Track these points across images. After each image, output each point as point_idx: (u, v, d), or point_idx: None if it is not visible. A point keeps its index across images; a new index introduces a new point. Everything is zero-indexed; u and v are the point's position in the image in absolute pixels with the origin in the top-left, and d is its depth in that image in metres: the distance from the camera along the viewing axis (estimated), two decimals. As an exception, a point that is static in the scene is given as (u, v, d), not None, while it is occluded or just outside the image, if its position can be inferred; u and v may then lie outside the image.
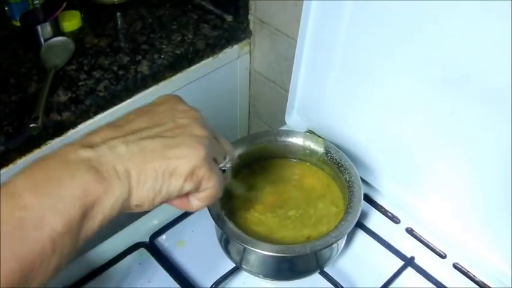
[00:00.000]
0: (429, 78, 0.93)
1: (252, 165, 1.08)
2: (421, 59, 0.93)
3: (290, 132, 1.08)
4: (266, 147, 1.07)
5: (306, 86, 1.17)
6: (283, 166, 1.09)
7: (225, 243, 0.98)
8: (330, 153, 1.04)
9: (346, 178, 1.00)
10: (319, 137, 1.11)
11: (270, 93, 1.58)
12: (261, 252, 0.88)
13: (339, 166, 1.02)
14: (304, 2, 1.06)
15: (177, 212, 1.06)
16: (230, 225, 0.92)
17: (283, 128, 1.22)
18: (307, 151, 1.07)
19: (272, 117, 1.63)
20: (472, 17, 0.83)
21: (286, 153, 1.09)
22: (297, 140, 1.07)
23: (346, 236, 0.97)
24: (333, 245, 0.92)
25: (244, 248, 0.91)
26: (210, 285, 0.96)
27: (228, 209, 0.99)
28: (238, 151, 1.03)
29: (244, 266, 0.97)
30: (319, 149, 1.05)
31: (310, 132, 1.17)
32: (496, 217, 0.96)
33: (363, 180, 1.09)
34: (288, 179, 1.07)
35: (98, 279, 0.99)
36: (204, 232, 1.03)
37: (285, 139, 1.07)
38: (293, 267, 0.98)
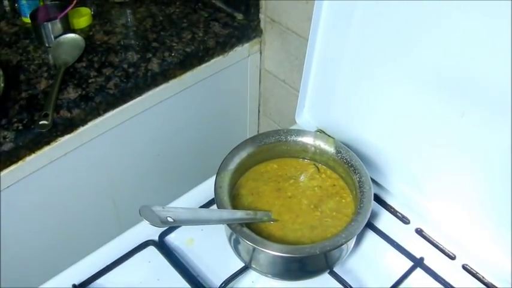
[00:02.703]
0: (440, 79, 0.93)
1: (262, 164, 1.08)
2: (432, 60, 0.93)
3: (300, 132, 1.07)
4: (276, 147, 1.07)
5: (316, 85, 1.17)
6: (293, 165, 1.09)
7: (235, 242, 0.98)
8: (341, 153, 1.04)
9: (356, 178, 1.00)
10: (330, 136, 1.10)
11: (280, 92, 1.58)
12: (270, 252, 0.88)
13: (350, 166, 1.02)
14: (316, 1, 1.05)
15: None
16: (239, 225, 0.91)
17: (294, 127, 1.22)
18: (318, 151, 1.06)
19: (282, 116, 1.63)
20: (480, 19, 0.83)
21: (296, 153, 1.09)
22: (308, 140, 1.07)
23: (356, 237, 0.96)
24: (343, 246, 0.92)
25: (254, 248, 0.90)
26: (219, 284, 0.96)
27: (238, 208, 0.99)
28: (248, 150, 1.03)
29: (253, 266, 0.97)
30: (330, 148, 1.05)
31: (321, 131, 1.17)
32: (505, 218, 0.95)
33: (373, 181, 1.08)
34: (298, 178, 1.07)
35: (107, 277, 1.00)
36: (213, 231, 1.03)
37: (295, 138, 1.07)
38: (302, 267, 0.98)
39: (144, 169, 1.52)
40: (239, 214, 0.94)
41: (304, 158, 1.09)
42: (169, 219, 0.81)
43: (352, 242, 0.99)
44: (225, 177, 0.98)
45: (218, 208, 0.94)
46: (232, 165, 1.01)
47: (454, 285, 1.00)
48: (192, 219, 0.88)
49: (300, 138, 1.07)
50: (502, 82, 0.85)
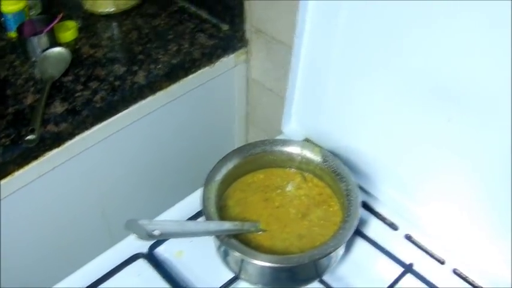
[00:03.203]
0: (426, 83, 0.94)
1: (249, 175, 1.08)
2: (418, 65, 0.94)
3: (286, 142, 1.08)
4: (262, 157, 1.07)
5: (302, 94, 1.17)
6: (280, 175, 1.09)
7: (223, 253, 0.98)
8: (327, 161, 1.04)
9: (343, 186, 1.00)
10: (316, 145, 1.11)
11: (268, 102, 1.58)
12: (259, 263, 0.88)
13: (336, 174, 1.02)
14: (300, 9, 1.06)
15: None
16: (227, 236, 0.91)
17: (281, 136, 1.22)
18: (304, 160, 1.07)
19: (270, 125, 1.62)
20: (468, 23, 0.84)
21: (283, 163, 1.09)
22: (294, 149, 1.07)
23: (345, 244, 0.96)
24: (332, 254, 0.92)
25: (242, 259, 0.91)
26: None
27: (225, 219, 0.99)
28: (234, 161, 1.03)
29: (243, 276, 0.97)
30: (316, 157, 1.05)
31: (308, 140, 1.17)
32: (494, 222, 0.96)
33: (362, 188, 1.10)
34: (285, 188, 1.07)
35: None
36: (203, 242, 1.02)
37: (281, 148, 1.07)
38: (292, 276, 0.98)
39: (133, 181, 1.52)
40: (226, 225, 0.94)
41: (290, 168, 1.09)
42: (156, 232, 0.81)
43: (341, 250, 0.99)
44: (212, 189, 0.98)
45: (206, 220, 0.94)
46: (219, 176, 1.01)
47: None
48: (179, 232, 0.88)
49: (285, 148, 1.07)
50: (487, 88, 0.86)
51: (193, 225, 0.92)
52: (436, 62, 0.91)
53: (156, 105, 1.41)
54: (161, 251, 1.05)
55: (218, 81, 1.53)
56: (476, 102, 0.88)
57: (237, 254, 0.89)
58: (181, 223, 0.91)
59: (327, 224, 1.00)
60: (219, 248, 0.98)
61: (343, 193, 0.99)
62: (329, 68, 1.09)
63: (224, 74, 1.54)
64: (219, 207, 1.00)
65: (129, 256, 1.03)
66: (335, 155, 1.06)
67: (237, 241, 0.91)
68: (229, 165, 1.03)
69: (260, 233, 0.98)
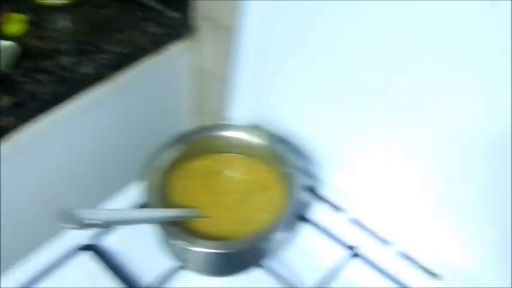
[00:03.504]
0: (367, 64, 0.94)
1: (191, 161, 1.07)
2: (358, 49, 0.94)
3: (228, 126, 1.07)
4: (205, 143, 1.06)
5: (247, 79, 1.17)
6: (223, 161, 1.08)
7: (166, 242, 0.97)
8: (270, 145, 1.03)
9: (286, 170, 0.99)
10: (259, 129, 1.10)
11: (217, 89, 1.56)
12: (200, 250, 0.87)
13: (279, 158, 1.01)
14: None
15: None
16: (168, 223, 0.91)
17: (228, 122, 1.21)
18: (247, 144, 1.06)
19: (219, 114, 1.60)
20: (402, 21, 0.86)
21: (225, 148, 1.08)
22: (236, 134, 1.06)
23: (287, 228, 0.96)
24: (274, 238, 0.91)
25: (184, 247, 0.90)
26: (154, 285, 0.96)
27: (167, 206, 0.98)
28: (176, 147, 1.02)
29: (186, 264, 0.96)
30: (259, 141, 1.04)
31: (254, 125, 1.16)
32: (442, 203, 0.96)
33: (306, 171, 1.10)
34: (227, 173, 1.06)
35: (39, 286, 0.97)
36: (147, 231, 1.01)
37: (223, 133, 1.06)
38: (234, 262, 0.97)
39: (81, 172, 1.50)
40: (167, 212, 0.93)
41: (233, 153, 1.08)
42: (91, 221, 0.80)
43: (283, 234, 0.99)
44: (153, 176, 0.97)
45: (146, 208, 0.92)
46: (160, 163, 1.00)
47: (392, 273, 1.00)
48: (116, 220, 0.86)
49: (228, 133, 1.06)
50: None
51: (132, 214, 0.91)
52: (377, 45, 0.92)
53: (105, 96, 1.39)
54: (106, 241, 1.04)
55: (167, 69, 1.52)
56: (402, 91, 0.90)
57: (177, 241, 0.88)
58: (120, 211, 0.90)
59: (269, 208, 0.99)
60: (161, 236, 0.97)
61: (286, 177, 0.98)
62: (273, 52, 1.09)
63: (173, 62, 1.53)
64: (160, 194, 0.99)
65: (72, 248, 1.02)
66: (279, 139, 1.05)
67: (178, 229, 0.90)
68: (170, 152, 1.02)
69: (202, 219, 0.97)
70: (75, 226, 0.77)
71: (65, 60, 1.36)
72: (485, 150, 0.86)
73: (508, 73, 0.79)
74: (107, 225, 0.94)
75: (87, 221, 0.79)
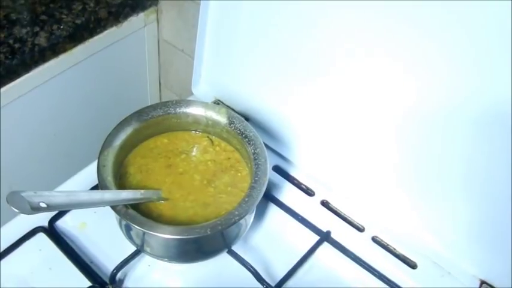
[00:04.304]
0: (337, 41, 0.91)
1: (151, 139, 1.02)
2: (325, 23, 0.91)
3: (190, 102, 1.00)
4: (165, 120, 1.00)
5: (211, 53, 1.13)
6: (185, 139, 1.03)
7: (124, 225, 0.92)
8: (234, 123, 0.98)
9: (251, 150, 0.94)
10: (222, 106, 1.06)
11: (180, 63, 1.53)
12: (158, 235, 0.82)
13: (244, 137, 0.96)
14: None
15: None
16: (125, 206, 0.85)
17: (191, 98, 1.17)
18: (210, 122, 1.00)
19: (183, 88, 1.58)
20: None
21: (188, 126, 1.02)
22: (198, 111, 1.00)
23: (254, 212, 0.92)
24: (240, 223, 0.86)
25: (143, 232, 0.84)
26: (111, 269, 0.91)
27: (126, 188, 0.93)
28: (134, 125, 0.96)
29: (146, 250, 0.92)
30: (222, 119, 0.99)
31: (217, 102, 1.12)
32: (415, 187, 0.94)
33: (276, 152, 1.07)
34: (190, 153, 1.01)
35: None
36: (107, 213, 0.95)
37: (185, 110, 1.00)
38: (197, 248, 0.93)
39: (40, 150, 1.45)
40: (124, 194, 0.88)
41: (196, 131, 1.03)
42: (42, 204, 0.74)
43: (250, 218, 0.95)
44: (109, 155, 0.91)
45: (101, 189, 0.87)
46: (117, 142, 0.93)
47: (364, 258, 0.97)
48: (69, 203, 0.81)
49: (190, 110, 1.00)
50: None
51: (85, 196, 0.85)
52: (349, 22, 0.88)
53: (60, 69, 1.34)
54: (63, 223, 1.00)
55: (127, 42, 1.47)
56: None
57: (134, 225, 0.83)
58: (72, 193, 0.84)
59: (234, 190, 0.94)
60: (119, 220, 0.92)
61: (251, 157, 0.94)
62: (238, 25, 1.05)
63: (133, 34, 1.48)
64: (118, 175, 0.94)
65: (28, 230, 0.98)
66: (246, 117, 1.01)
67: (136, 212, 0.85)
68: (128, 130, 0.95)
69: (162, 202, 0.92)
70: (25, 210, 0.72)
71: (17, 30, 1.30)
72: (464, 129, 0.83)
73: (483, 47, 0.75)
74: (58, 209, 0.88)
75: (36, 205, 0.74)
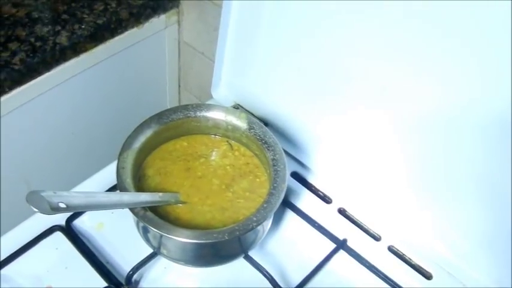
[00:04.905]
0: (348, 45, 0.91)
1: (170, 142, 1.02)
2: (347, 34, 0.91)
3: (211, 107, 1.00)
4: (185, 123, 1.00)
5: (232, 57, 1.13)
6: (204, 143, 1.03)
7: (142, 228, 0.92)
8: (254, 128, 0.98)
9: (270, 156, 0.94)
10: (242, 111, 1.05)
11: (200, 65, 1.53)
12: (175, 238, 0.82)
13: (263, 143, 0.96)
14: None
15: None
16: (143, 208, 0.85)
17: (210, 101, 1.17)
18: (230, 127, 1.00)
19: (203, 91, 1.58)
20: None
21: (207, 129, 1.02)
22: (219, 115, 1.00)
23: (271, 218, 0.92)
24: (257, 229, 0.86)
25: (161, 235, 0.84)
26: (128, 270, 0.91)
27: (144, 190, 0.94)
28: (154, 127, 0.97)
29: (162, 252, 0.92)
30: (242, 124, 0.99)
31: (237, 106, 1.12)
32: (433, 197, 0.93)
33: (294, 158, 1.07)
34: (209, 157, 1.01)
35: (11, 267, 0.94)
36: (124, 214, 0.95)
37: (205, 114, 1.00)
38: (214, 253, 0.93)
39: (59, 149, 1.46)
40: (143, 197, 0.88)
41: (216, 135, 1.03)
42: (61, 205, 0.75)
43: (267, 224, 0.95)
44: (129, 157, 0.91)
45: (120, 191, 0.87)
46: (137, 144, 0.94)
47: (380, 268, 0.97)
48: (87, 204, 0.81)
49: (210, 114, 1.00)
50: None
51: (104, 197, 0.85)
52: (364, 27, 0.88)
53: (80, 68, 1.35)
54: (80, 223, 1.01)
55: (147, 43, 1.47)
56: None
57: (151, 228, 0.83)
58: (91, 195, 0.84)
59: (252, 196, 0.94)
60: (137, 222, 0.93)
61: (270, 163, 0.93)
62: (259, 30, 1.05)
63: (154, 36, 1.48)
64: (137, 177, 0.94)
65: (45, 228, 0.98)
66: (265, 122, 1.01)
67: (154, 214, 0.85)
68: (148, 132, 0.96)
69: (180, 205, 0.92)
70: (44, 210, 0.73)
71: (38, 29, 1.31)
72: (473, 136, 0.84)
73: (494, 55, 0.75)
74: (77, 210, 0.89)
75: (56, 205, 0.74)
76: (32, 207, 0.72)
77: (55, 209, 0.74)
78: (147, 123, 0.96)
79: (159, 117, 0.98)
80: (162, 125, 0.98)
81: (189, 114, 1.00)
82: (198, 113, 1.00)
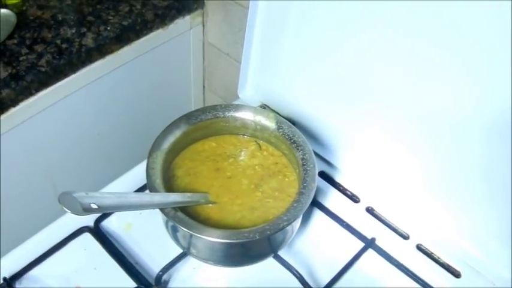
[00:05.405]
0: (383, 49, 0.90)
1: (199, 142, 1.02)
2: (373, 35, 0.91)
3: (239, 107, 1.01)
4: (214, 124, 1.00)
5: (258, 58, 1.12)
6: (233, 143, 1.03)
7: (171, 228, 0.92)
8: (282, 128, 0.98)
9: (300, 155, 0.94)
10: (271, 111, 1.05)
11: (225, 66, 1.53)
12: (206, 238, 0.82)
13: (292, 142, 0.96)
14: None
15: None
16: (174, 209, 0.85)
17: (237, 102, 1.17)
18: (258, 127, 1.00)
19: (228, 91, 1.58)
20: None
21: (236, 129, 1.02)
22: (247, 115, 1.00)
23: (300, 218, 0.91)
24: (287, 228, 0.86)
25: (190, 234, 0.85)
26: (157, 271, 0.91)
27: (173, 190, 0.94)
28: (183, 128, 0.97)
29: (192, 252, 0.92)
30: (271, 124, 0.99)
31: (264, 106, 1.12)
32: (461, 196, 0.93)
33: (321, 157, 1.07)
34: (238, 157, 1.01)
35: (40, 268, 0.94)
36: (152, 214, 0.96)
37: (233, 114, 1.00)
38: (244, 252, 0.93)
39: (84, 150, 1.46)
40: (173, 197, 0.88)
41: (244, 135, 1.03)
42: (93, 205, 0.75)
43: (297, 224, 0.94)
44: (158, 158, 0.92)
45: (150, 191, 0.87)
46: (166, 145, 0.94)
47: (408, 266, 0.96)
48: (119, 205, 0.81)
49: (238, 114, 1.00)
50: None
51: (135, 198, 0.86)
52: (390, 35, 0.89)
53: (106, 70, 1.35)
54: (108, 224, 1.01)
55: (172, 44, 1.47)
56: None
57: (182, 228, 0.83)
58: (122, 195, 0.85)
59: (281, 195, 0.94)
60: (166, 222, 0.93)
61: (300, 162, 0.93)
62: (286, 29, 1.04)
63: (179, 37, 1.48)
64: (166, 177, 0.94)
65: (74, 229, 0.98)
66: (292, 122, 1.01)
67: (184, 214, 0.85)
68: (176, 133, 0.96)
69: (210, 205, 0.92)
70: (76, 211, 0.73)
71: (64, 31, 1.32)
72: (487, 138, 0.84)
73: (504, 56, 0.75)
74: (108, 210, 0.89)
75: (88, 206, 0.74)
76: (64, 208, 0.73)
77: (87, 210, 0.74)
78: (176, 124, 0.97)
79: (187, 117, 0.98)
80: (191, 125, 0.98)
81: (217, 115, 1.00)
82: (227, 113, 1.00)
